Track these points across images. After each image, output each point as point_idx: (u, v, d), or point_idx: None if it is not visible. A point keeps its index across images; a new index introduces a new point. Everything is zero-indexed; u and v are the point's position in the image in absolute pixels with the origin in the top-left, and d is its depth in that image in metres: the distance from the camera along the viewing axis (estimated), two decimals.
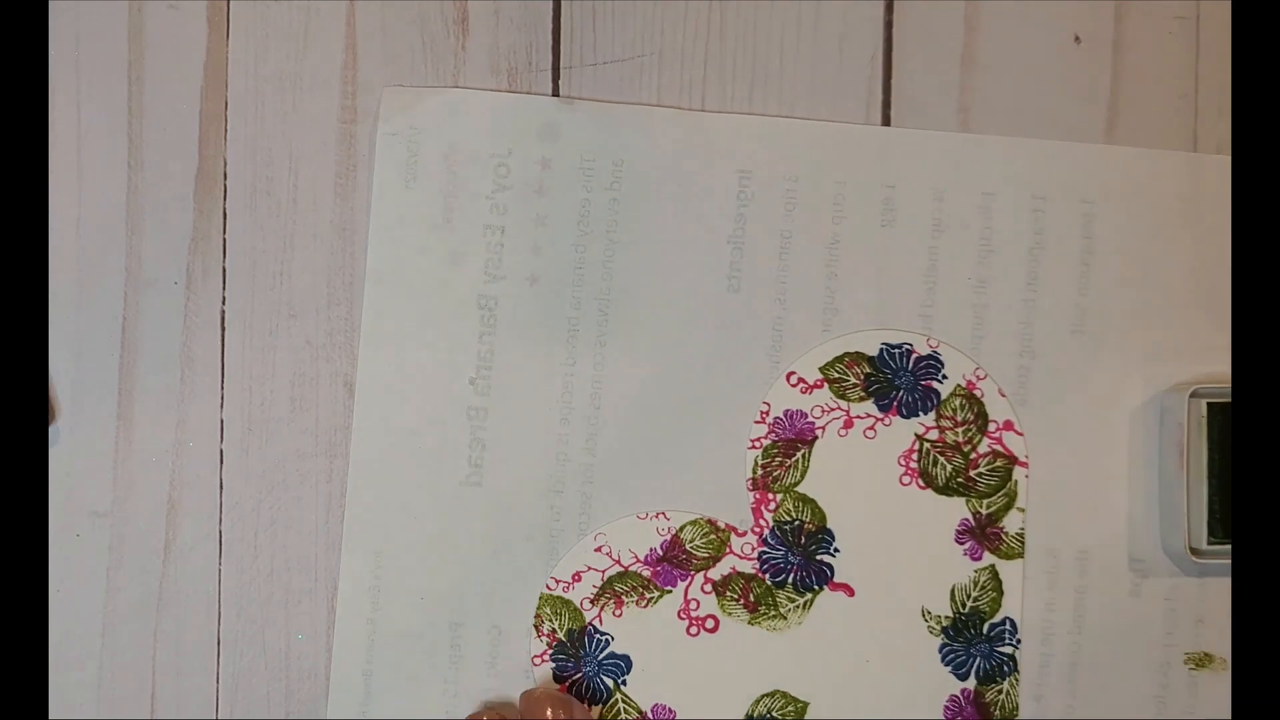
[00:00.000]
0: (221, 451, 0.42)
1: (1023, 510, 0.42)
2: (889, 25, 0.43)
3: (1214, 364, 0.43)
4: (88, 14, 0.42)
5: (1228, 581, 0.42)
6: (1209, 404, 0.41)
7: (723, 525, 0.42)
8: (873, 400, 0.42)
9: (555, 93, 0.43)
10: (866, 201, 0.42)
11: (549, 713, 0.39)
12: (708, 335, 0.42)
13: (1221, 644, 0.42)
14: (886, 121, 0.43)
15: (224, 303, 0.42)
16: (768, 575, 0.42)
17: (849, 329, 0.43)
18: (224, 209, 0.42)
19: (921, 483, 0.42)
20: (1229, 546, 0.41)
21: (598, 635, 0.42)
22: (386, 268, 0.42)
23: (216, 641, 0.42)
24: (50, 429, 0.42)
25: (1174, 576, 0.42)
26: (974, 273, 0.43)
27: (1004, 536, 0.42)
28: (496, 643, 0.42)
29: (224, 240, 0.42)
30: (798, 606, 0.42)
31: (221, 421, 0.42)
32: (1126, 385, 0.43)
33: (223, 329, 0.42)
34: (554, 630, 0.42)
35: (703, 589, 0.42)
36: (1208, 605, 0.42)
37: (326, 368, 0.42)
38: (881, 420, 0.42)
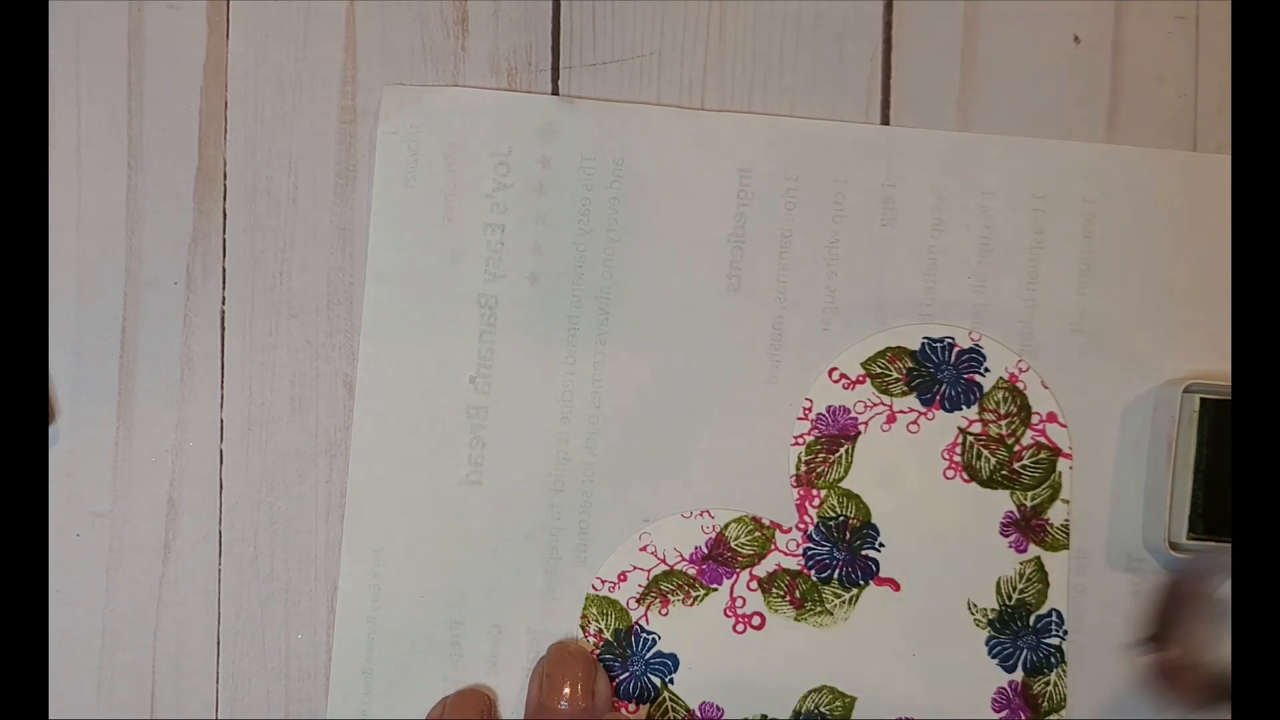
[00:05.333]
0: (221, 451, 0.42)
1: (1067, 502, 0.42)
2: (888, 25, 0.43)
3: (1214, 363, 0.43)
4: (88, 14, 0.42)
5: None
6: (1202, 399, 0.41)
7: (767, 522, 0.42)
8: (915, 395, 0.43)
9: (555, 92, 0.43)
10: (867, 200, 0.43)
11: (567, 689, 0.40)
12: (708, 334, 0.42)
13: None
14: (886, 121, 0.43)
15: (224, 303, 0.42)
16: (813, 571, 0.42)
17: (849, 327, 0.43)
18: (224, 209, 0.42)
19: (965, 476, 0.42)
20: (1209, 543, 0.41)
21: (644, 634, 0.42)
22: (387, 266, 0.42)
23: (216, 641, 0.42)
24: (50, 429, 0.42)
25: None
26: (974, 272, 0.43)
27: (1049, 528, 0.42)
28: (496, 642, 0.42)
29: (224, 240, 0.42)
30: (843, 602, 0.42)
31: (221, 421, 0.42)
32: (1124, 384, 0.43)
33: (223, 329, 0.42)
34: (600, 630, 0.42)
35: (748, 586, 0.42)
36: None
37: (326, 367, 0.42)
38: (924, 414, 0.43)
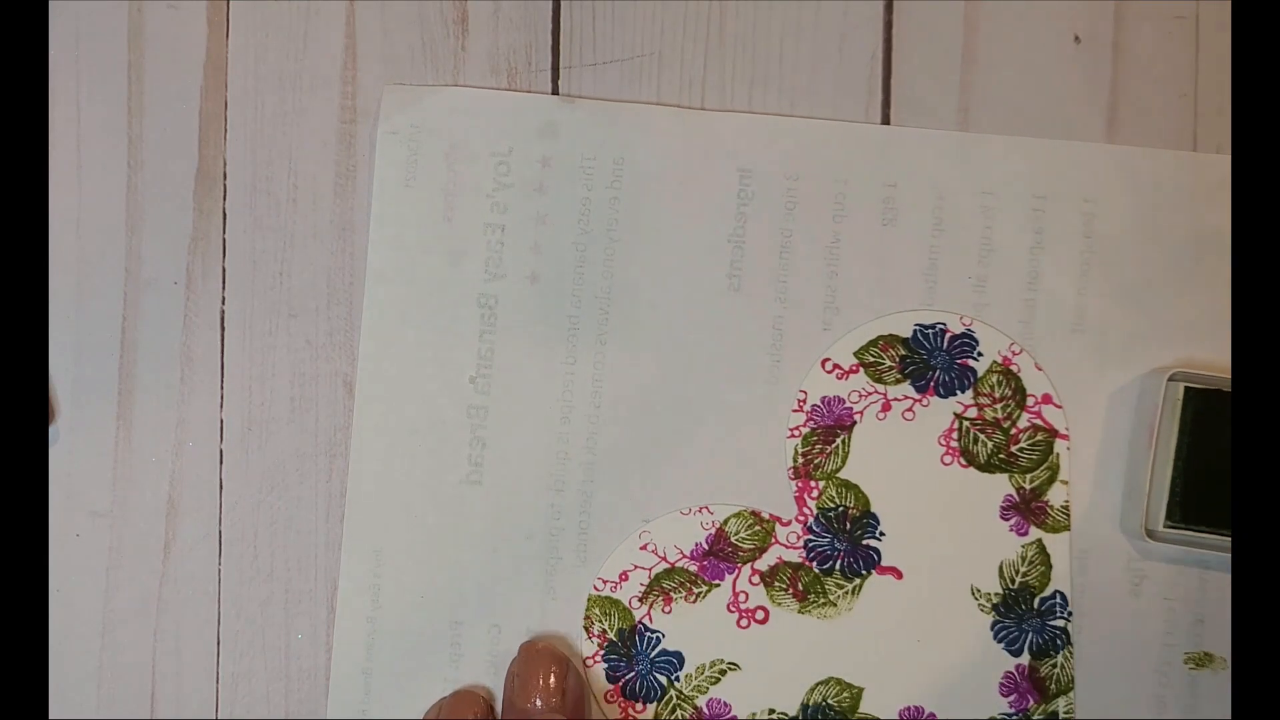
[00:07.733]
0: (221, 451, 0.42)
1: (1066, 483, 0.42)
2: (889, 25, 0.43)
3: (1210, 359, 0.43)
4: (88, 14, 0.42)
5: (1228, 580, 0.42)
6: (1186, 388, 0.41)
7: (766, 516, 0.42)
8: (909, 382, 0.43)
9: (555, 92, 0.43)
10: (867, 200, 0.43)
11: (539, 687, 0.40)
12: (708, 334, 0.42)
13: (1221, 644, 0.42)
14: (886, 120, 0.43)
15: (224, 303, 0.42)
16: (815, 563, 0.42)
17: (850, 327, 0.43)
18: (224, 209, 0.42)
19: (963, 461, 0.42)
20: (1186, 532, 0.41)
21: (648, 633, 0.42)
22: (387, 266, 0.42)
23: (216, 641, 0.42)
24: (50, 429, 0.42)
25: (1174, 576, 0.42)
26: (974, 272, 0.43)
27: (1049, 510, 0.42)
28: (496, 641, 0.42)
29: (224, 240, 0.42)
30: (846, 593, 0.42)
31: (221, 421, 0.42)
32: (1124, 384, 0.43)
33: (222, 329, 0.42)
34: (604, 631, 0.42)
35: (750, 581, 0.42)
36: (1207, 604, 0.42)
37: (326, 367, 0.42)
38: (919, 401, 0.42)
